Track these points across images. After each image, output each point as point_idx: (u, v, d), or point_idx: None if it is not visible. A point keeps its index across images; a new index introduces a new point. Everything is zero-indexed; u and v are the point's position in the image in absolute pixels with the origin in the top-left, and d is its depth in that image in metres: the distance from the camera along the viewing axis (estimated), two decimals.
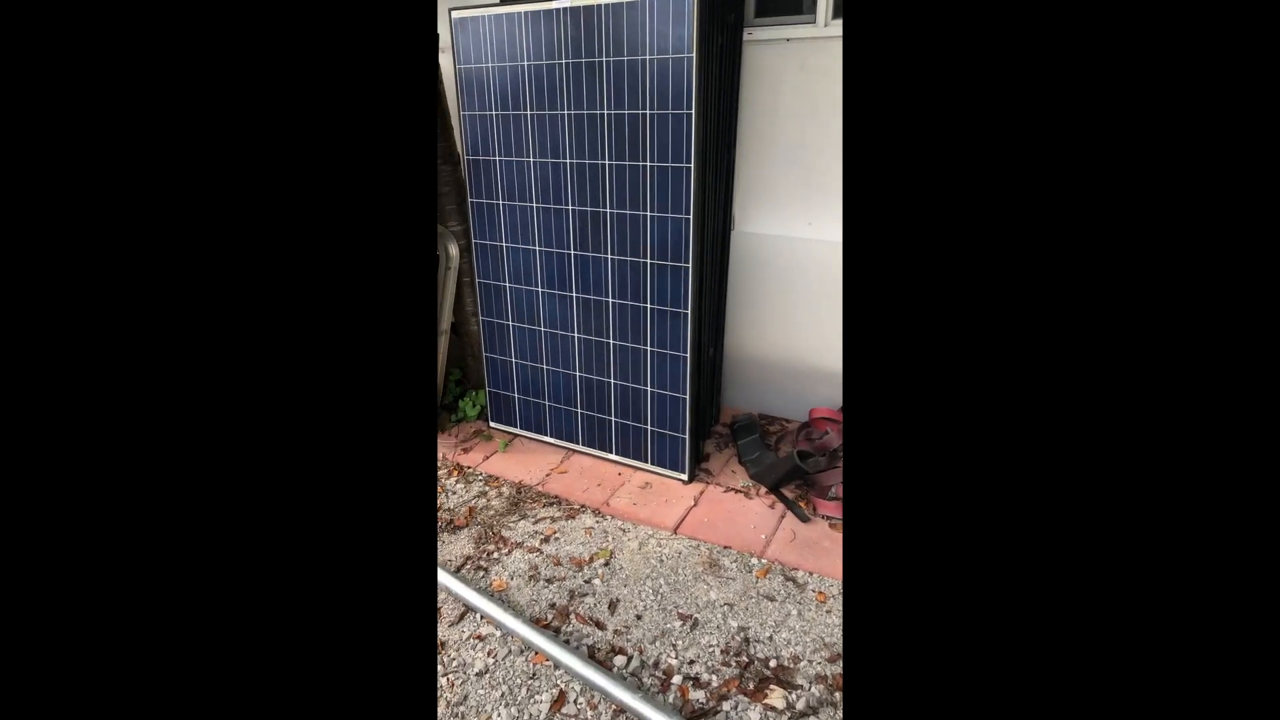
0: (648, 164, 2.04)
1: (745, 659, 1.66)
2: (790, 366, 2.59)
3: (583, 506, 2.26)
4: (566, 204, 2.23)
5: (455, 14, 2.19)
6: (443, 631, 1.78)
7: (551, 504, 2.28)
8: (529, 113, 2.18)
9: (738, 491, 2.27)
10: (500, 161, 2.30)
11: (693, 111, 1.92)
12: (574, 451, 2.55)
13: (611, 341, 2.31)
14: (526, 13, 2.07)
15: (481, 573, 2.00)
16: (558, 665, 1.64)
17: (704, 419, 2.49)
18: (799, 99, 2.22)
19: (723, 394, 2.75)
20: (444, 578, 1.91)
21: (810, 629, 1.74)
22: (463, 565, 2.03)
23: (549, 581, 1.94)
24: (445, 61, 2.52)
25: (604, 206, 2.16)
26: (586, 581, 1.93)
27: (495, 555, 2.06)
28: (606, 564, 2.00)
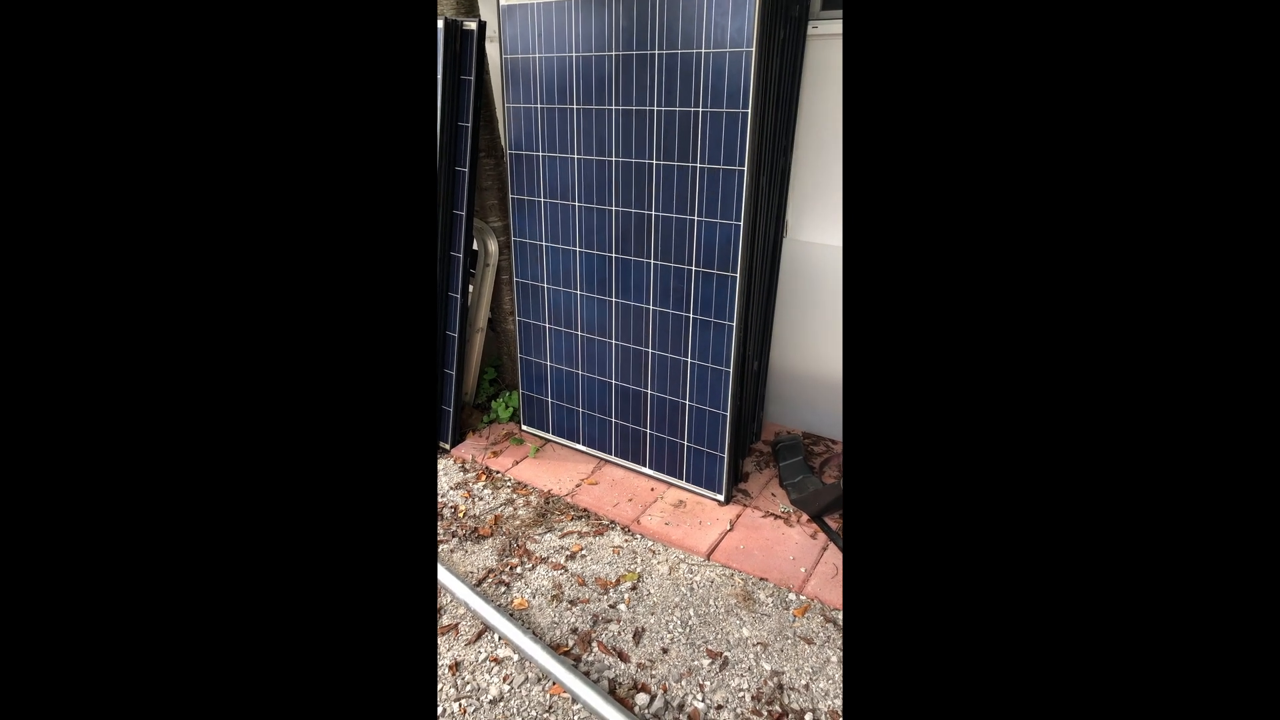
0: (698, 165, 1.91)
1: (778, 709, 1.53)
2: (839, 384, 2.43)
3: (612, 523, 2.15)
4: (610, 204, 2.12)
5: (504, 1, 2.09)
6: (459, 651, 1.70)
7: (580, 517, 2.18)
8: (576, 107, 2.08)
9: (777, 517, 2.13)
10: (543, 158, 2.20)
11: (749, 110, 1.78)
12: (606, 462, 2.44)
13: (650, 351, 2.20)
14: (577, 1, 1.96)
15: (503, 588, 1.91)
16: (575, 699, 1.54)
17: (744, 435, 2.36)
18: None
19: (765, 409, 2.61)
20: (463, 592, 1.83)
21: None
22: (484, 579, 1.95)
23: (572, 603, 1.84)
24: (492, 51, 2.43)
25: (649, 209, 2.04)
26: (612, 606, 1.83)
27: (518, 570, 1.97)
28: (634, 588, 1.89)
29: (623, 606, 1.83)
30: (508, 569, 1.98)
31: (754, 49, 1.72)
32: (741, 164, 1.83)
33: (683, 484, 2.28)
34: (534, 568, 1.98)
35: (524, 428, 2.64)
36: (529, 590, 1.89)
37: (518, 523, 2.17)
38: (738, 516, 2.14)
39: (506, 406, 2.72)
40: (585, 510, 2.21)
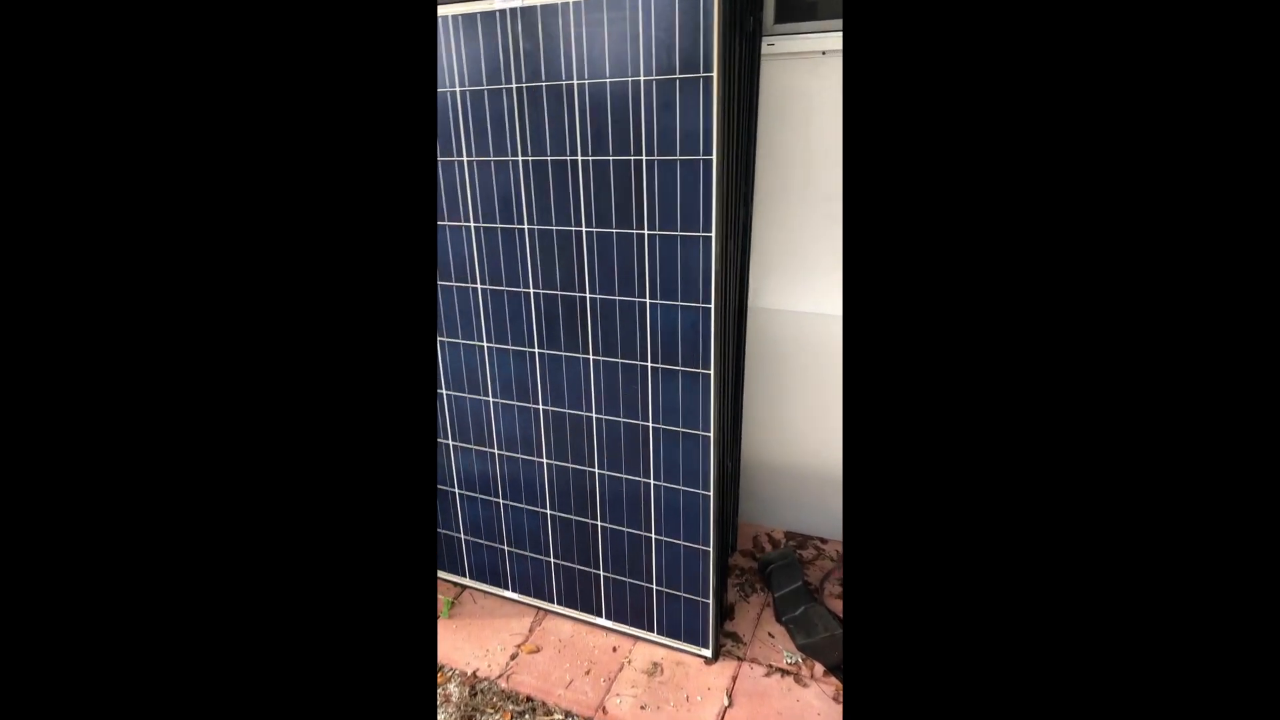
0: (646, 232, 1.40)
1: None
2: (825, 473, 1.99)
3: (568, 716, 1.57)
4: (526, 285, 1.57)
5: None
6: None
7: (523, 713, 1.59)
8: (465, 159, 1.52)
9: (785, 673, 1.64)
10: None
11: (713, 157, 1.30)
12: (548, 613, 1.86)
13: (597, 471, 1.65)
14: (457, 16, 1.42)
15: None
16: None
17: (723, 537, 1.86)
18: (837, 133, 1.64)
19: (739, 507, 2.12)
20: None
21: None
22: None
23: None
24: None
25: (582, 290, 1.51)
26: None
27: None
28: None
29: None
30: None
31: (715, 73, 1.25)
32: (707, 228, 1.35)
33: (654, 638, 1.74)
34: None
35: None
36: None
37: None
38: (734, 679, 1.63)
39: None
40: (529, 700, 1.62)
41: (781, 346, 1.90)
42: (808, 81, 1.62)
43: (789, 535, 2.10)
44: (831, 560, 1.98)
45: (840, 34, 1.57)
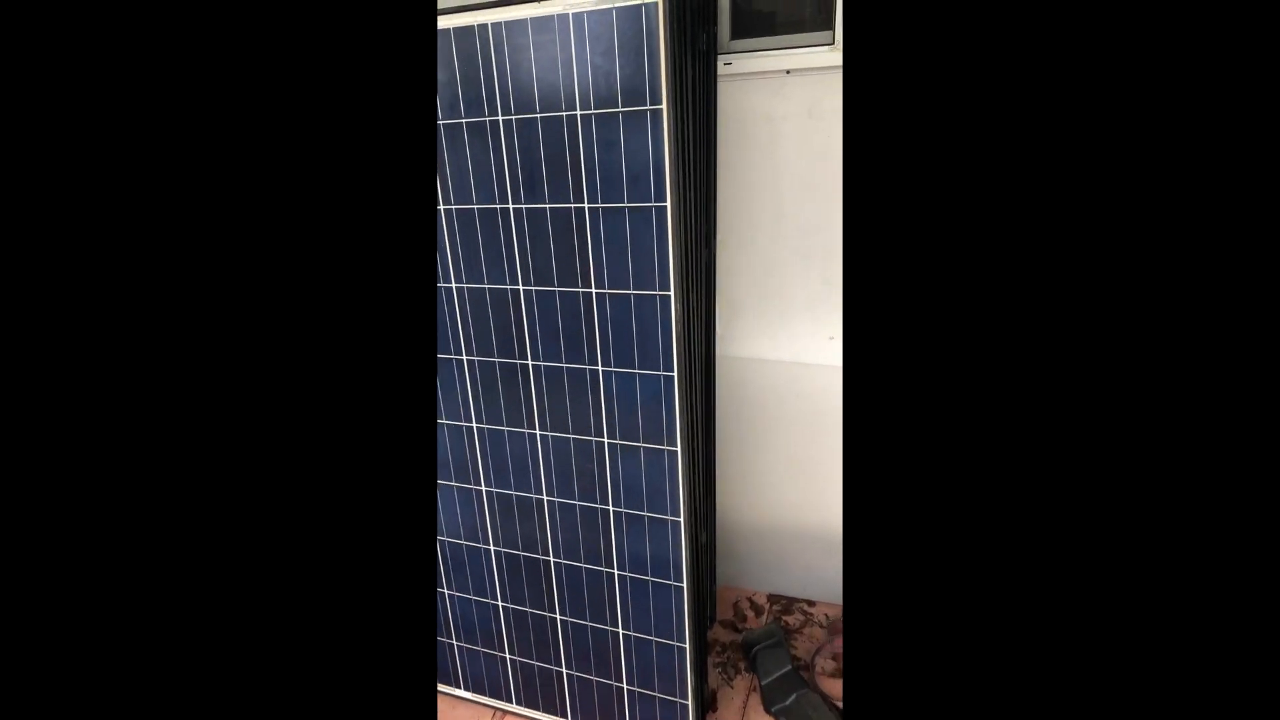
0: (594, 290, 1.19)
1: None
2: (807, 530, 1.80)
3: None
4: (457, 351, 1.34)
5: None
6: None
7: None
8: None
9: None
10: None
11: (667, 203, 1.09)
12: (506, 714, 1.63)
13: (553, 559, 1.43)
14: None
15: None
16: None
17: (701, 628, 1.65)
18: (808, 160, 1.45)
19: (716, 573, 1.92)
20: None
21: None
22: None
23: None
24: None
25: (523, 356, 1.29)
26: None
27: None
28: None
29: None
30: None
31: (665, 104, 1.04)
32: (665, 285, 1.14)
33: None
34: None
35: None
36: None
37: None
38: None
39: None
40: None
41: (754, 397, 1.71)
42: (771, 104, 1.43)
43: (772, 599, 1.90)
44: (821, 627, 1.79)
45: (801, 51, 1.38)
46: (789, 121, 1.43)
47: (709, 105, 1.38)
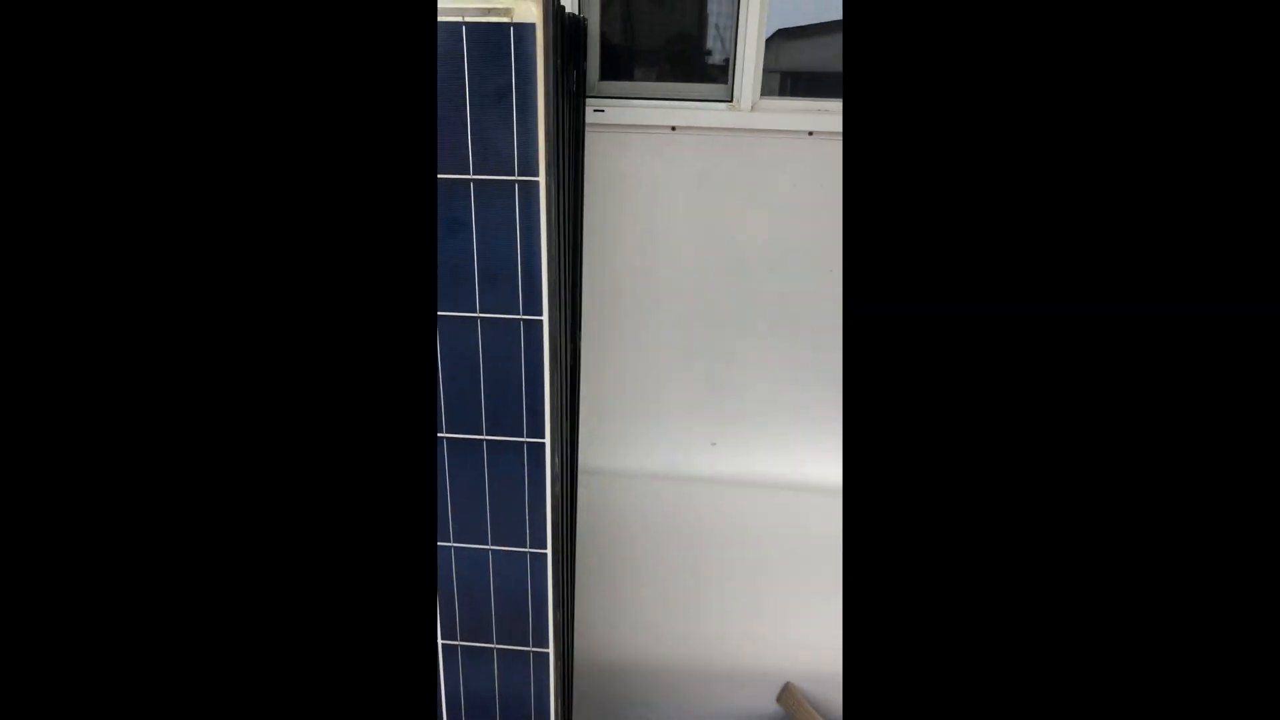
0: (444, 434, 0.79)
1: None
2: (681, 666, 1.51)
3: None
4: None
5: None
6: None
7: None
8: None
9: None
10: None
11: (544, 316, 0.74)
12: None
13: None
14: None
15: None
16: None
17: None
18: (699, 236, 1.17)
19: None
20: None
21: None
22: None
23: None
24: None
25: None
26: None
27: None
28: None
29: None
30: None
31: (542, 176, 0.69)
32: (539, 433, 0.78)
33: None
34: None
35: None
36: None
37: None
38: None
39: None
40: None
41: (616, 520, 1.39)
42: (653, 167, 1.13)
43: None
44: None
45: (695, 106, 1.10)
46: (672, 189, 1.14)
47: (577, 158, 1.04)
